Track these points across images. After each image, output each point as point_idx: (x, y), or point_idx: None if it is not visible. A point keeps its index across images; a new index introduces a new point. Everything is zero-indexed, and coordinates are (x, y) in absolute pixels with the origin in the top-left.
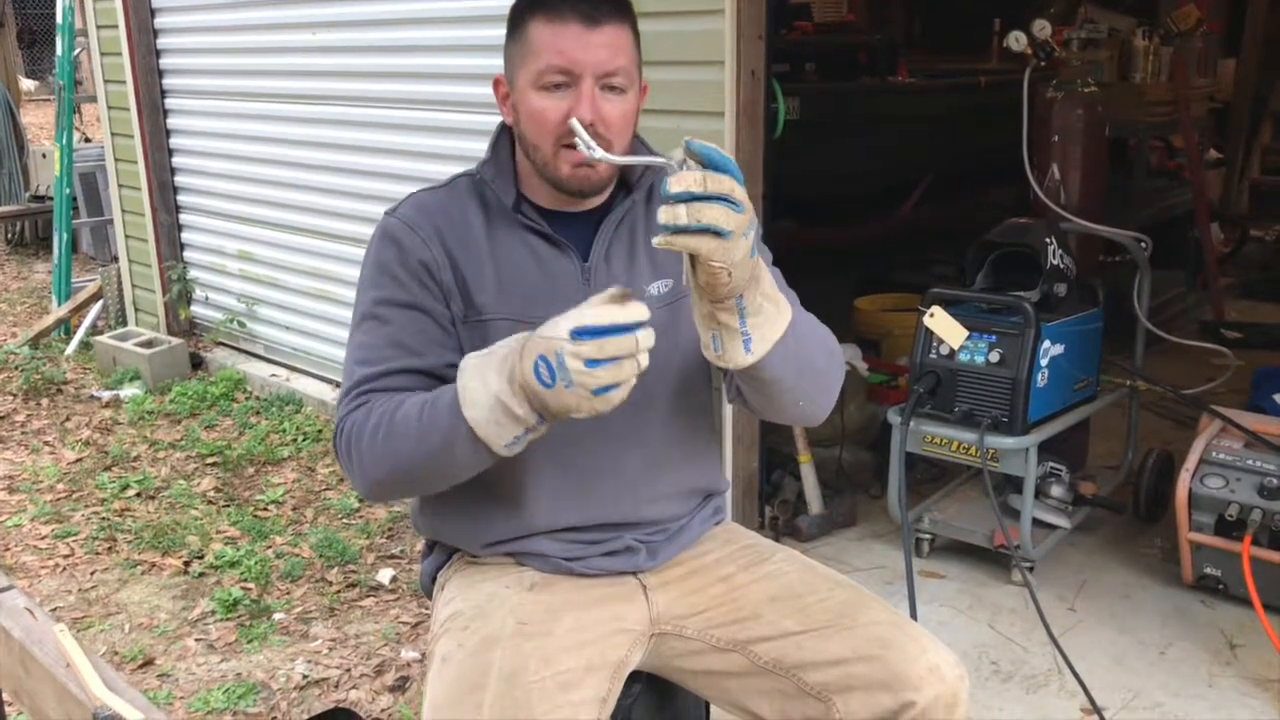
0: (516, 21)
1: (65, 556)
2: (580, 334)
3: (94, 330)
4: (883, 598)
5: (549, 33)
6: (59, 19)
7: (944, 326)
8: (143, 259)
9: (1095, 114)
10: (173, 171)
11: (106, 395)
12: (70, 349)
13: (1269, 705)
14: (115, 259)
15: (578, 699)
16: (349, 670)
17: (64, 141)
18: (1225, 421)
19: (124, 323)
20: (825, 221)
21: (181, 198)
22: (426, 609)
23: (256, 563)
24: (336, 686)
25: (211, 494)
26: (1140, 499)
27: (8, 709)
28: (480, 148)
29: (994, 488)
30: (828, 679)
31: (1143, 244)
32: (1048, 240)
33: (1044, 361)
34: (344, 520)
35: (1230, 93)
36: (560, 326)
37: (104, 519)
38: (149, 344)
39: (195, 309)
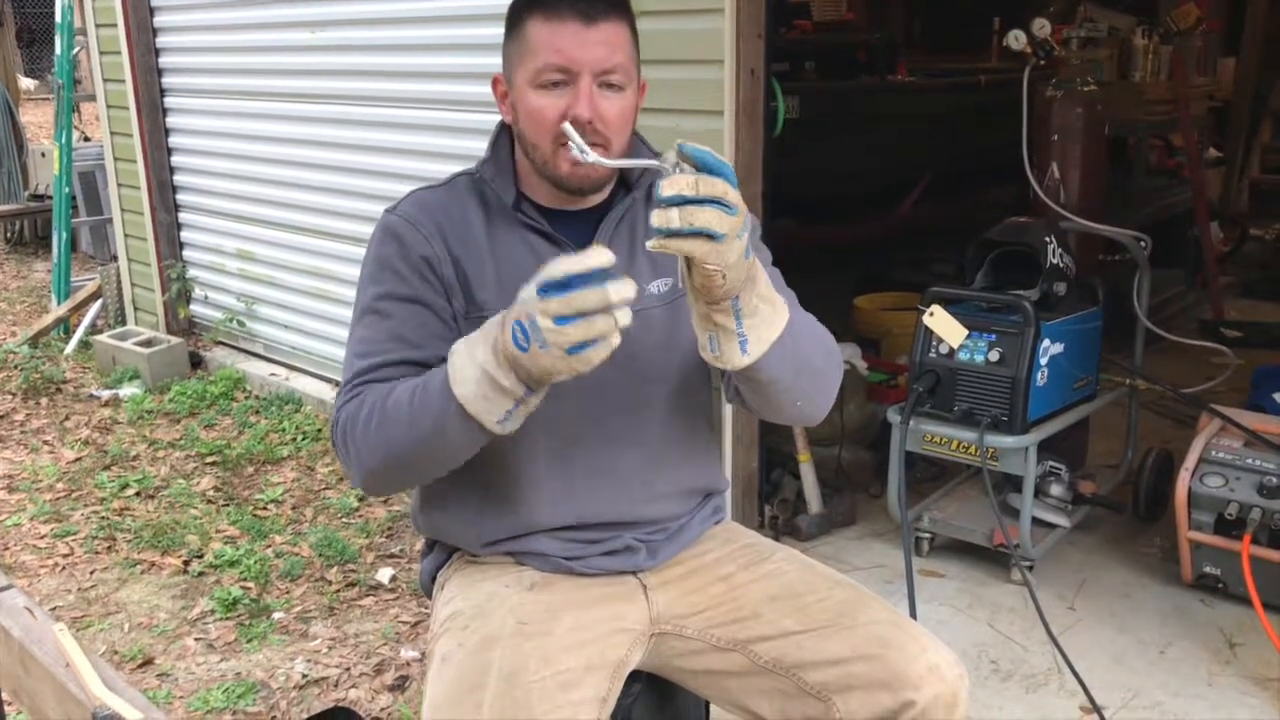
0: (514, 20)
1: (65, 556)
2: (545, 291)
3: (93, 329)
4: (882, 597)
5: (547, 31)
6: (58, 18)
7: (943, 325)
8: (142, 258)
9: (1095, 113)
10: (172, 170)
11: (106, 394)
12: (69, 348)
13: (1268, 704)
14: (114, 258)
15: (578, 698)
16: (348, 669)
17: (63, 140)
18: (1225, 420)
19: (123, 322)
20: (825, 220)
21: (181, 197)
22: (426, 608)
23: (256, 562)
24: (336, 686)
25: (211, 493)
26: (1140, 498)
27: (7, 708)
28: (479, 146)
29: (993, 487)
30: (827, 678)
31: (1142, 243)
32: (1047, 239)
33: (1043, 360)
34: (343, 519)
35: (1230, 91)
36: (531, 287)
37: (103, 518)
38: (148, 343)
39: (194, 308)
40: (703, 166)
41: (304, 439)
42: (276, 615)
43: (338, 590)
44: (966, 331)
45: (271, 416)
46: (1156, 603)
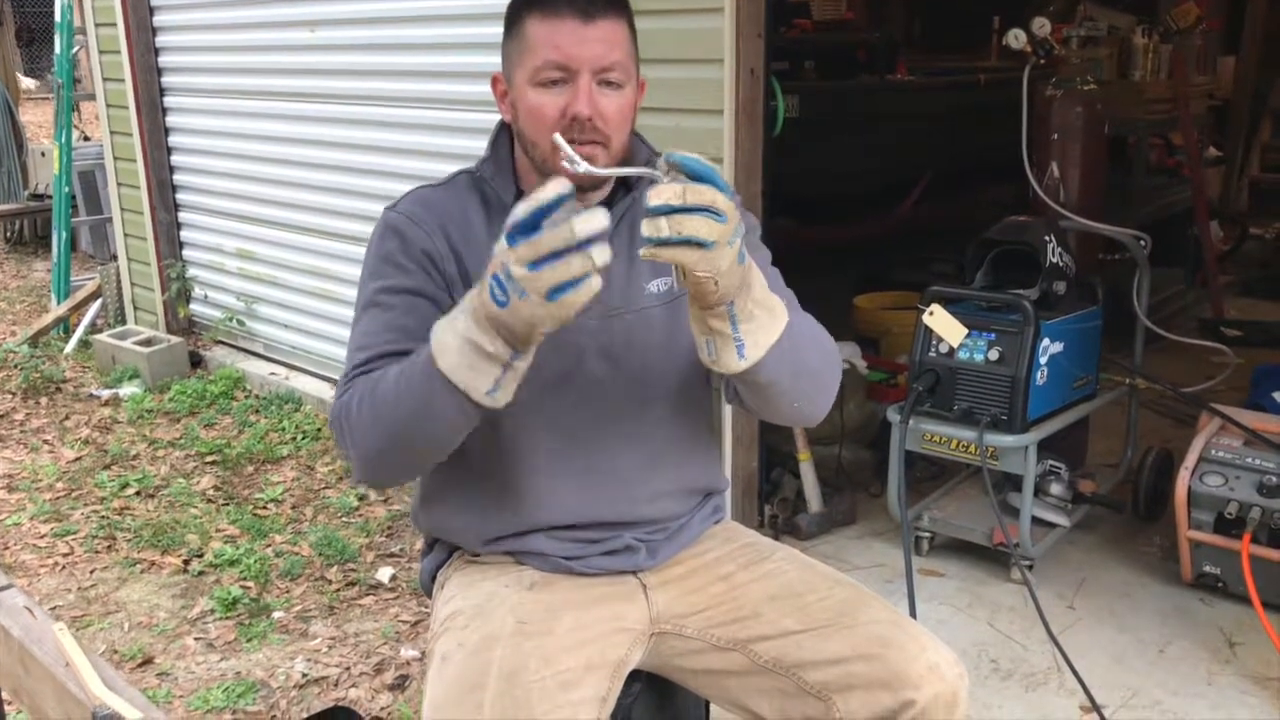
0: (513, 19)
1: (64, 555)
2: (513, 238)
3: (93, 329)
4: (882, 596)
5: (545, 29)
6: (57, 17)
7: (943, 324)
8: (141, 257)
9: (1095, 112)
10: (171, 170)
11: (105, 394)
12: (69, 347)
13: (1268, 703)
14: (114, 257)
15: (577, 698)
16: (348, 669)
17: (63, 140)
18: (1224, 419)
19: (123, 321)
20: (825, 219)
21: (180, 196)
22: (426, 607)
23: (256, 561)
24: (336, 685)
25: (211, 492)
26: (1139, 497)
27: (7, 708)
28: (479, 146)
29: (993, 486)
30: (828, 678)
31: (1142, 242)
32: (1047, 238)
33: (1043, 359)
34: (343, 519)
35: (1230, 90)
36: (501, 240)
37: (103, 517)
38: (148, 342)
39: (194, 307)
40: (691, 174)
41: (304, 438)
42: (276, 614)
43: (338, 589)
44: (966, 330)
45: (271, 416)
46: (1156, 602)
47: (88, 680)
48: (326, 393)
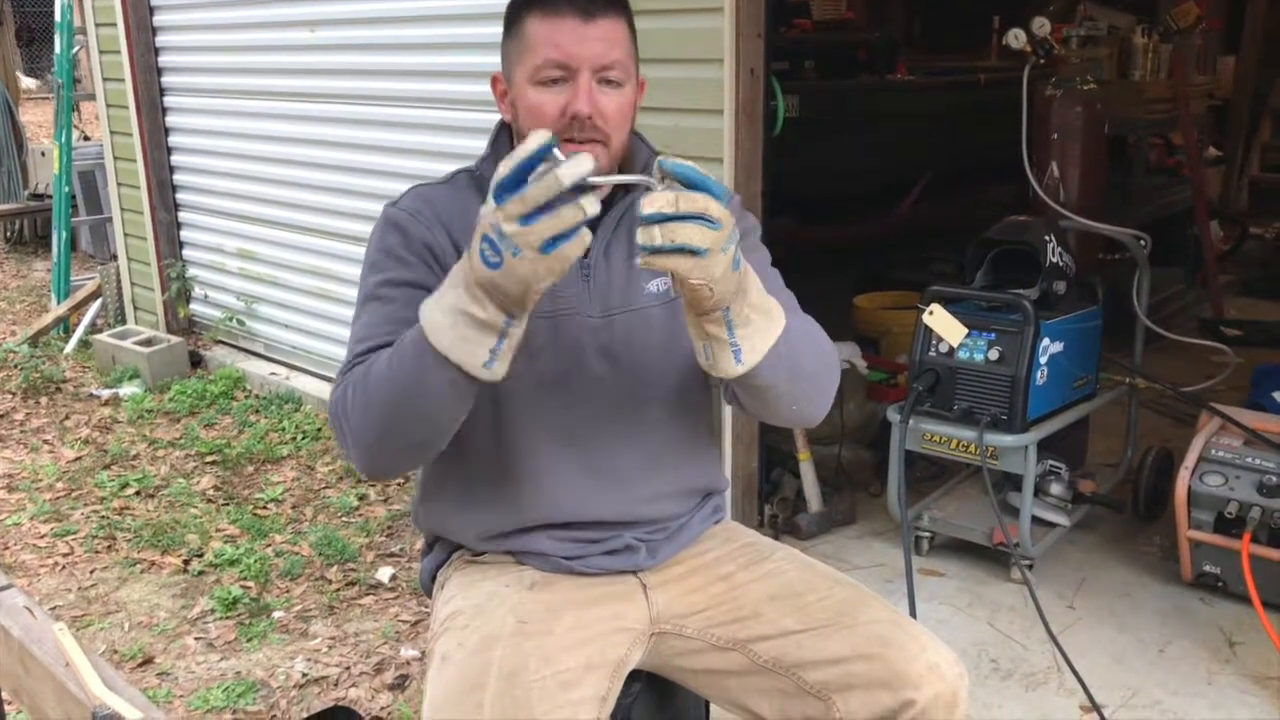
0: (513, 18)
1: (64, 555)
2: (500, 196)
3: (93, 328)
4: (882, 596)
5: (545, 28)
6: (57, 17)
7: (943, 324)
8: (141, 257)
9: (1094, 111)
10: (171, 169)
11: (105, 394)
12: (69, 347)
13: (1268, 703)
14: (114, 257)
15: (577, 698)
16: (348, 668)
17: (63, 139)
18: (1224, 419)
19: (123, 321)
20: (825, 219)
21: (180, 196)
22: (426, 607)
23: (256, 561)
24: (336, 685)
25: (211, 492)
26: (1139, 497)
27: (7, 708)
28: (479, 145)
29: (993, 485)
30: (827, 678)
31: (1142, 241)
32: (1047, 238)
33: (1043, 359)
34: (343, 518)
35: (1230, 90)
36: (489, 202)
37: (103, 517)
38: (148, 342)
39: (194, 307)
40: (685, 181)
41: (304, 438)
42: (276, 614)
43: (338, 589)
44: (966, 330)
45: (271, 416)
46: (1156, 602)
47: (88, 680)
48: (327, 392)
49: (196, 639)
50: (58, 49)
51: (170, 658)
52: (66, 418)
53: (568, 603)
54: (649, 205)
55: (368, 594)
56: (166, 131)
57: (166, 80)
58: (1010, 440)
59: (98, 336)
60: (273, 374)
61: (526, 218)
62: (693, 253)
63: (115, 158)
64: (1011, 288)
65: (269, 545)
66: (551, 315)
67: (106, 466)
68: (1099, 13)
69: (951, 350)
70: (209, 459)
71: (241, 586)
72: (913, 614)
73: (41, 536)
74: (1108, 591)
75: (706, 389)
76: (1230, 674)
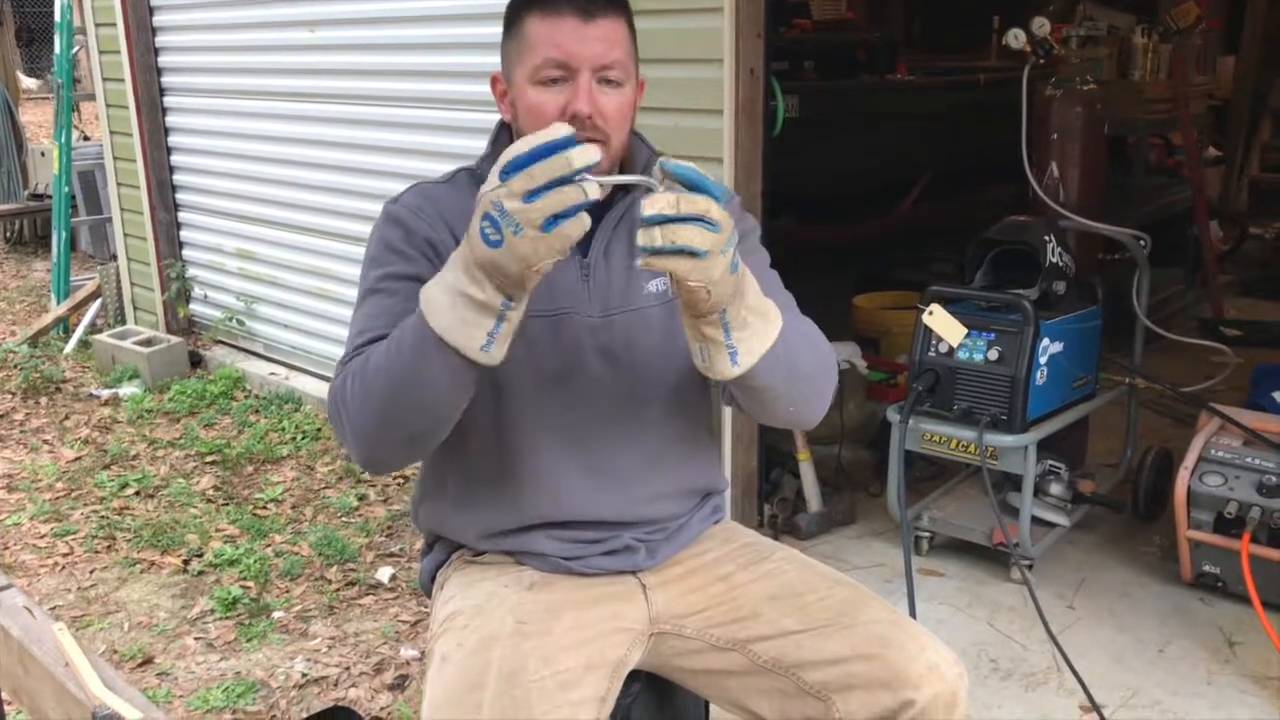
0: (513, 18)
1: (64, 555)
2: (507, 172)
3: (93, 329)
4: (882, 596)
5: (545, 27)
6: (57, 17)
7: (943, 324)
8: (141, 257)
9: (1094, 112)
10: (171, 170)
11: (105, 394)
12: (69, 347)
13: (1268, 703)
14: (114, 257)
15: (577, 698)
16: (348, 669)
17: (62, 140)
18: (1224, 419)
19: (123, 321)
20: (824, 219)
21: (180, 196)
22: (426, 607)
23: (256, 561)
24: (336, 685)
25: (210, 492)
26: (1139, 497)
27: (7, 708)
28: (479, 145)
29: (993, 486)
30: (827, 678)
31: (1142, 242)
32: (1047, 238)
33: (1043, 359)
34: (343, 519)
35: (1230, 90)
36: (491, 179)
37: (103, 517)
38: (148, 342)
39: (194, 307)
40: (686, 183)
41: (304, 438)
42: (276, 614)
43: (337, 589)
44: (966, 330)
45: (271, 416)
46: (1156, 602)
47: (87, 680)
48: (326, 392)
49: (196, 639)
50: (57, 49)
51: (170, 658)
52: (66, 418)
53: (567, 603)
54: (650, 207)
55: (367, 594)
56: (166, 131)
57: (166, 80)
58: (1010, 440)
59: (97, 336)
60: (272, 374)
61: (530, 195)
62: (692, 254)
63: (115, 158)
64: (1011, 288)
65: (269, 545)
66: (551, 315)
67: (106, 466)
68: (1099, 13)
69: (951, 350)
70: (209, 459)
71: (241, 586)
72: (912, 614)
73: (41, 536)
74: (1107, 591)
75: (706, 389)
76: (1230, 674)
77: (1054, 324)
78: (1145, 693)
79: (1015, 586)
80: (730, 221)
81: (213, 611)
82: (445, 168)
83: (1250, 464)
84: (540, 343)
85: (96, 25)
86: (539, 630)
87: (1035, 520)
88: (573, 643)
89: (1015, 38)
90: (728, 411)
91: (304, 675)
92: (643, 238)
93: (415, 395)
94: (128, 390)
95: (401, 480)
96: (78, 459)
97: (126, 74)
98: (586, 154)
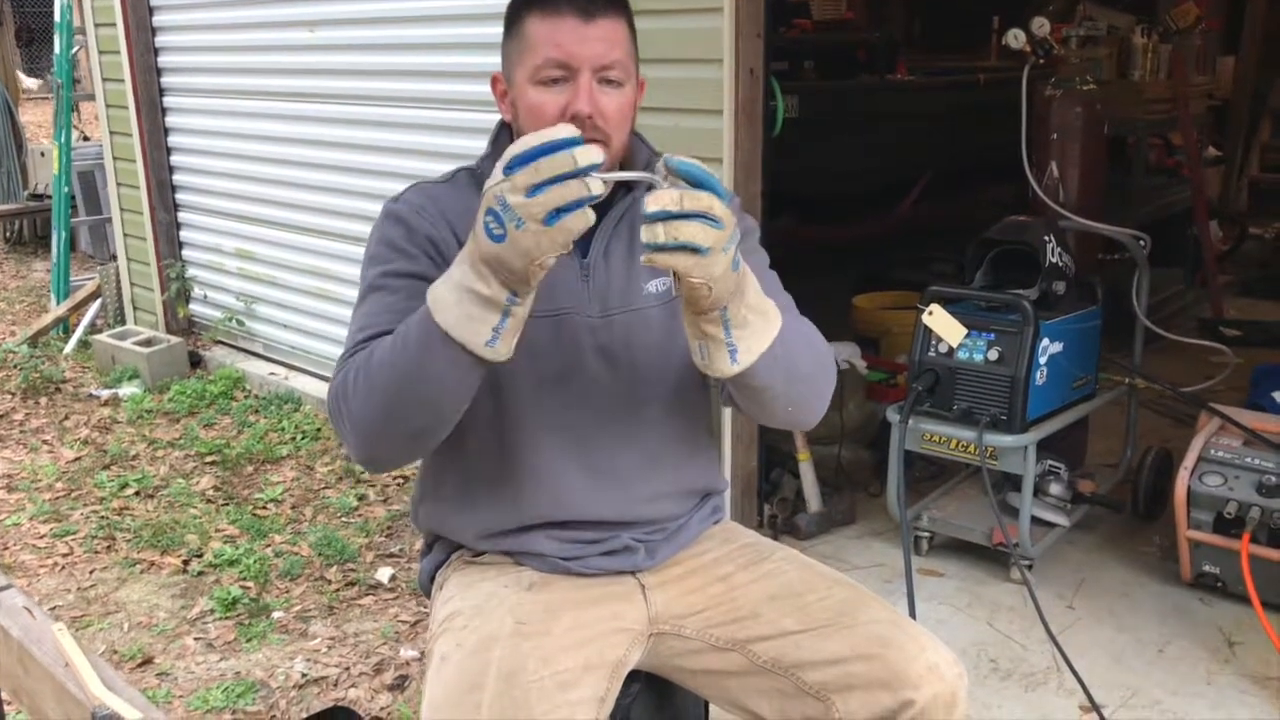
0: (513, 18)
1: (64, 555)
2: (511, 167)
3: (92, 329)
4: (882, 596)
5: (545, 27)
6: (57, 17)
7: (943, 324)
8: (141, 257)
9: (1094, 112)
10: (171, 170)
11: (105, 394)
12: (69, 348)
13: (1267, 703)
14: (114, 257)
15: (576, 698)
16: (348, 669)
17: (62, 140)
18: (1224, 419)
19: (122, 321)
20: (824, 219)
21: (180, 196)
22: (425, 608)
23: (255, 561)
24: (335, 685)
25: (210, 493)
26: (1139, 497)
27: (7, 708)
28: (479, 145)
29: (993, 486)
30: (827, 678)
31: (1141, 242)
32: (1046, 238)
33: (1043, 359)
34: (343, 519)
35: (1229, 90)
36: (495, 174)
37: (103, 518)
38: (147, 342)
39: (194, 307)
40: (689, 179)
41: (303, 438)
42: (276, 614)
43: (337, 589)
44: (966, 330)
45: (271, 416)
46: (1155, 602)
47: (87, 680)
48: (326, 392)
49: (196, 639)
50: (57, 49)
51: (170, 658)
52: (66, 418)
53: (566, 603)
54: (654, 203)
55: (367, 594)
56: (166, 132)
57: (166, 80)
58: (1010, 440)
59: (97, 337)
60: (272, 374)
61: (533, 189)
62: (695, 250)
63: (115, 158)
64: (1011, 288)
65: (268, 545)
66: (551, 315)
67: (106, 467)
68: (1098, 13)
69: (951, 350)
70: (208, 459)
71: (241, 587)
72: (912, 614)
73: (41, 537)
74: (1107, 592)
75: (705, 389)
76: (1229, 674)
77: (1054, 324)
78: (1145, 693)
79: (1015, 586)
80: (732, 219)
81: (212, 612)
82: (445, 168)
83: (1250, 464)
84: (540, 343)
85: (96, 25)
86: (538, 630)
87: (1035, 520)
88: (572, 643)
89: (1015, 38)
90: (728, 411)
91: (304, 675)
92: (646, 234)
93: (419, 390)
94: (127, 390)
95: (401, 480)
96: (77, 459)
97: (126, 74)
98: (590, 154)
